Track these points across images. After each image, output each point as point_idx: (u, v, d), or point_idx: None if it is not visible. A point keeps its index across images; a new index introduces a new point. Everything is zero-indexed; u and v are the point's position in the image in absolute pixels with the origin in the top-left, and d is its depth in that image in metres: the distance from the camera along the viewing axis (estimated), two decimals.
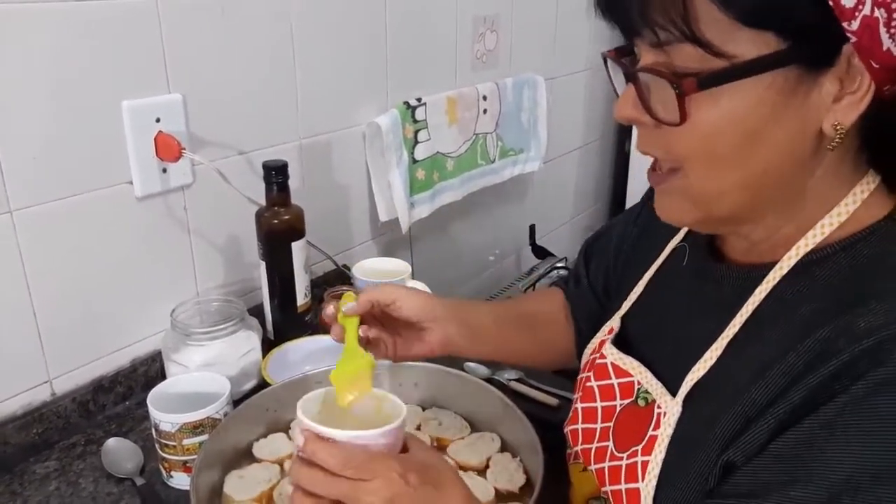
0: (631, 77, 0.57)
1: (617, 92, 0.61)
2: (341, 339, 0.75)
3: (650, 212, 0.74)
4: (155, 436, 0.86)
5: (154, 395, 0.87)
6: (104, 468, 0.90)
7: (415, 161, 1.40)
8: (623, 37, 0.59)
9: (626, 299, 0.77)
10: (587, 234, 0.97)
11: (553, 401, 1.03)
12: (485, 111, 1.57)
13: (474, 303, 0.91)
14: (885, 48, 0.50)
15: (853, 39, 0.50)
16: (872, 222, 0.58)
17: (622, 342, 0.74)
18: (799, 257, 0.59)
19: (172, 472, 0.87)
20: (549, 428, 0.80)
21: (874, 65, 0.51)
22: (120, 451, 0.92)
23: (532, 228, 1.90)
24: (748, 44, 0.51)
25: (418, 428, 0.92)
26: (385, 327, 0.80)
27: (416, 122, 1.38)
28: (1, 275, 0.90)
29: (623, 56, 0.61)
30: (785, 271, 0.59)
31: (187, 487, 0.82)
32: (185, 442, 0.85)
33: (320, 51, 1.22)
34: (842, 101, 0.53)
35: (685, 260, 0.72)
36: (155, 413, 0.85)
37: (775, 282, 0.60)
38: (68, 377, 0.99)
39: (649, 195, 0.84)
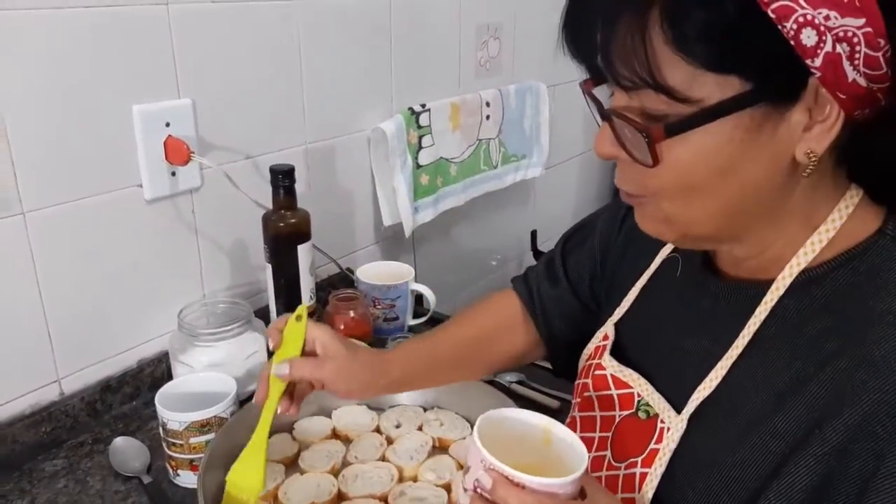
0: (605, 117, 0.58)
1: (598, 121, 0.62)
2: (261, 403, 0.75)
3: (628, 212, 0.75)
4: (162, 434, 0.88)
5: (162, 394, 0.88)
6: (112, 467, 0.92)
7: (419, 166, 1.42)
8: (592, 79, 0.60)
9: (618, 306, 0.78)
10: None
11: (554, 403, 1.04)
12: (488, 117, 1.59)
13: (406, 354, 0.85)
14: (850, 80, 0.51)
15: (818, 74, 0.51)
16: (865, 237, 0.58)
17: (616, 350, 0.75)
18: (793, 276, 0.60)
19: (179, 471, 0.88)
20: None
21: (841, 95, 0.51)
22: (127, 450, 0.93)
23: (534, 234, 1.92)
24: (713, 87, 0.52)
25: (420, 428, 0.93)
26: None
27: (420, 127, 1.40)
28: (13, 276, 0.91)
29: (600, 83, 0.61)
30: (782, 291, 0.60)
31: (194, 486, 0.84)
32: (192, 440, 0.86)
33: (326, 57, 1.24)
34: (812, 130, 0.53)
35: (678, 271, 0.72)
36: (163, 411, 0.86)
37: (773, 302, 0.60)
38: (76, 377, 1.00)
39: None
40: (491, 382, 1.03)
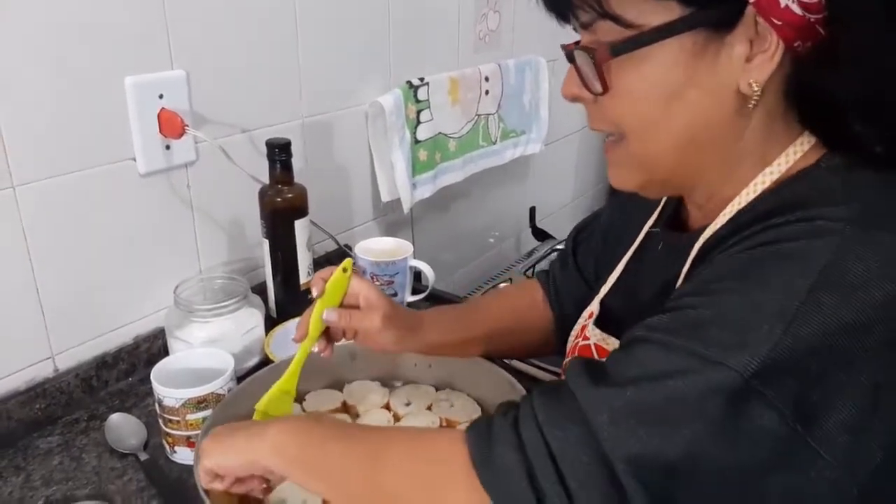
0: (569, 57, 0.63)
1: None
2: (300, 341, 0.78)
3: (626, 198, 0.77)
4: (158, 411, 0.87)
5: (158, 371, 0.87)
6: (108, 443, 0.91)
7: (417, 141, 1.40)
8: (558, 22, 0.64)
9: (605, 283, 0.79)
10: None
11: (553, 379, 1.04)
12: (487, 92, 1.56)
13: (442, 322, 0.88)
14: (783, 5, 0.53)
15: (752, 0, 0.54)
16: (801, 168, 0.60)
17: (605, 324, 0.76)
18: (731, 214, 0.62)
19: (176, 448, 0.87)
20: None
21: (776, 22, 0.54)
22: (123, 427, 0.93)
23: (532, 211, 1.90)
24: (654, 13, 0.56)
25: (429, 408, 0.92)
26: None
27: (418, 101, 1.38)
28: (4, 250, 0.89)
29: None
30: (717, 226, 0.62)
31: (191, 463, 0.83)
32: (189, 417, 0.85)
33: (323, 29, 1.22)
34: (754, 61, 0.56)
35: (660, 245, 0.74)
36: (159, 388, 0.85)
37: (706, 237, 0.63)
38: (71, 353, 0.99)
39: None
40: (492, 359, 1.02)
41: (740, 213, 0.61)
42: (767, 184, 0.61)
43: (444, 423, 0.89)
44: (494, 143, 1.64)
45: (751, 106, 0.58)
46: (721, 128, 0.60)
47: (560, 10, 0.61)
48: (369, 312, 0.79)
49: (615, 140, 0.64)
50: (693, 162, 0.62)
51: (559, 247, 1.82)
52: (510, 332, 0.93)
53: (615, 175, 0.67)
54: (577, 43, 0.63)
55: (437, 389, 0.95)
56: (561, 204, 2.11)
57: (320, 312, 0.78)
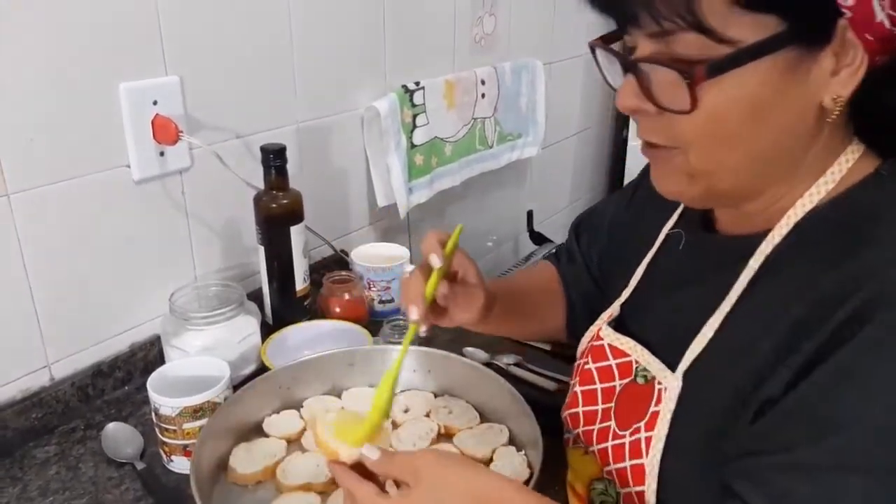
0: (631, 67, 0.57)
1: (608, 80, 0.62)
2: (422, 319, 0.73)
3: (642, 198, 0.75)
4: (155, 420, 0.86)
5: (154, 379, 0.87)
6: (104, 453, 0.90)
7: (413, 146, 1.40)
8: (618, 26, 0.59)
9: (625, 287, 0.77)
10: None
11: (551, 385, 1.03)
12: (483, 95, 1.56)
13: (503, 294, 0.88)
14: (878, 20, 0.52)
15: (848, 14, 0.51)
16: (861, 179, 0.59)
17: (620, 327, 0.75)
18: (790, 227, 0.60)
19: (173, 457, 0.87)
20: (548, 412, 0.80)
21: (868, 37, 0.52)
22: (120, 436, 0.92)
23: (530, 214, 1.90)
24: (749, 28, 0.52)
25: (427, 415, 0.91)
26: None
27: (414, 106, 1.37)
28: None
29: (611, 42, 0.61)
30: (778, 240, 0.60)
31: (188, 471, 0.82)
32: (186, 426, 0.85)
33: (319, 34, 1.21)
34: (839, 75, 0.54)
35: (681, 245, 0.72)
36: (155, 397, 0.84)
37: (769, 251, 0.61)
38: (67, 362, 0.99)
39: (639, 180, 0.84)
40: (488, 365, 1.02)
41: (805, 219, 0.59)
42: (822, 193, 0.59)
43: (443, 430, 0.89)
44: (491, 147, 1.64)
45: (830, 120, 0.56)
46: (795, 143, 0.58)
47: (632, 15, 0.55)
48: (471, 299, 0.79)
49: (668, 150, 0.60)
50: (759, 177, 0.60)
51: None
52: (539, 306, 0.94)
53: (666, 184, 0.63)
54: (631, 52, 0.59)
55: (435, 396, 0.95)
56: (558, 207, 2.10)
57: (436, 285, 0.70)
